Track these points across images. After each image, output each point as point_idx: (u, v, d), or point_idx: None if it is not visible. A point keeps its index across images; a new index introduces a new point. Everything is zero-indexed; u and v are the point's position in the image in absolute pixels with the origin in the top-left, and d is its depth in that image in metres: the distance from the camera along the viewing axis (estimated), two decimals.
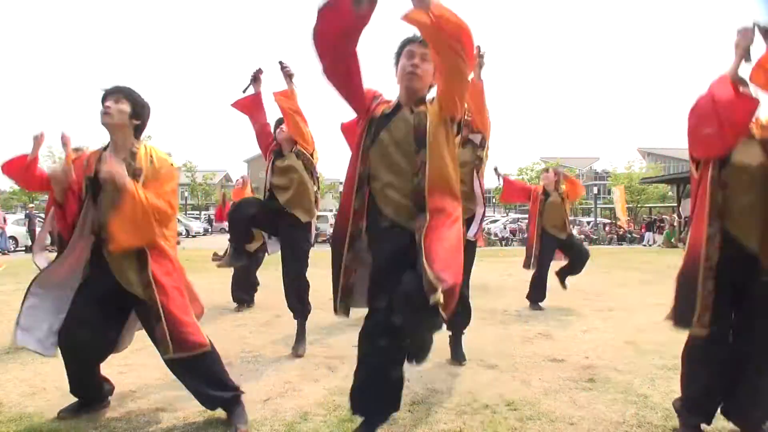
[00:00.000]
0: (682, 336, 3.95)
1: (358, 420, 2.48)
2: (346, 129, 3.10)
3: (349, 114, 2.34)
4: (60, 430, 2.36)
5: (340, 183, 27.36)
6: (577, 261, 5.95)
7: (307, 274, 3.85)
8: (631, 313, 5.34)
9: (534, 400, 2.73)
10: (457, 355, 3.43)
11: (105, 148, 2.50)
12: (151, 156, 2.44)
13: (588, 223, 28.98)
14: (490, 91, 4.05)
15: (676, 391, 2.89)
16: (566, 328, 4.62)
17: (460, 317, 3.41)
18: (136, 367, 3.26)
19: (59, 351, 2.39)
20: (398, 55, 2.14)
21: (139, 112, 2.46)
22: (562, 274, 5.99)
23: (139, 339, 2.69)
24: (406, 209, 2.02)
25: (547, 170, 6.23)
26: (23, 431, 2.35)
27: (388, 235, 2.05)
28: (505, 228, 24.00)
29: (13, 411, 2.58)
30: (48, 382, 3.01)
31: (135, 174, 2.36)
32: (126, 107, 2.40)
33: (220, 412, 2.55)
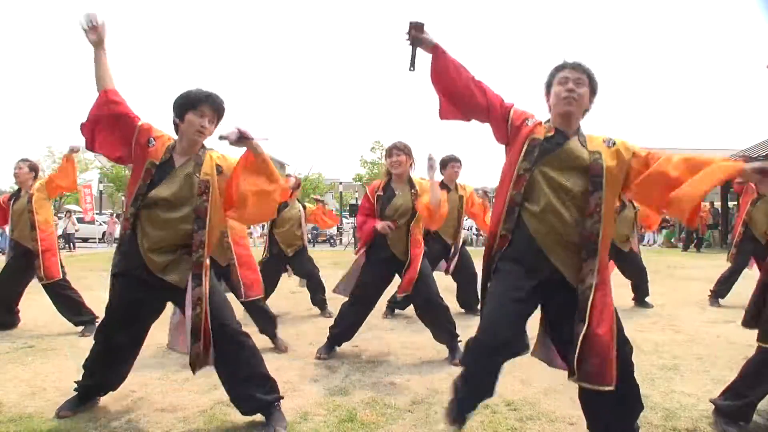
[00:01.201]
0: (681, 336, 3.92)
1: (358, 420, 2.48)
2: None
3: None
4: (60, 430, 2.36)
5: (341, 183, 27.32)
6: (636, 280, 5.75)
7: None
8: (631, 313, 5.34)
9: (534, 400, 2.73)
10: (457, 355, 3.43)
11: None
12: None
13: None
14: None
15: (677, 391, 2.90)
16: None
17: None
18: (136, 367, 3.24)
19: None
20: (549, 84, 2.07)
21: None
22: (638, 302, 5.75)
23: None
24: (568, 247, 1.93)
25: None
26: (23, 431, 2.35)
27: (535, 265, 1.96)
28: None
29: (13, 411, 2.57)
30: (48, 382, 3.01)
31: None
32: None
33: (219, 412, 2.55)
